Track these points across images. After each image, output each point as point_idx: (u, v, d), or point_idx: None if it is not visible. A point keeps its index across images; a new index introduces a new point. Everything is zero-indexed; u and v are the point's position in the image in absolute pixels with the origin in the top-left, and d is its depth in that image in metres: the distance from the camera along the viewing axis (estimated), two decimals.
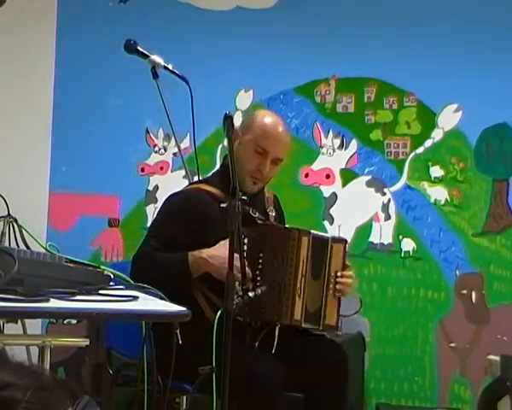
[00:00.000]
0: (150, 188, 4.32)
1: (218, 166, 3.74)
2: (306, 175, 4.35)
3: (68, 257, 2.35)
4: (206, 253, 2.92)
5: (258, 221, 3.04)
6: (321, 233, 3.20)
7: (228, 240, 2.60)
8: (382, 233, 4.33)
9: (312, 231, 3.08)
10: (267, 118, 3.15)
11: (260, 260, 2.96)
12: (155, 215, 3.28)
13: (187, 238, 2.98)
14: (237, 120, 3.35)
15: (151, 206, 4.26)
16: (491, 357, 3.47)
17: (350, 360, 3.17)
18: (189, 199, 3.07)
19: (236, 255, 2.62)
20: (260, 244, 2.97)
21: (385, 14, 4.33)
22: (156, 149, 4.33)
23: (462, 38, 4.30)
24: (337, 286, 3.07)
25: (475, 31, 4.29)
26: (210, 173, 3.33)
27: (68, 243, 3.63)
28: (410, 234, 4.33)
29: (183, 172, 3.96)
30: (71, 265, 2.30)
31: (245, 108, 4.27)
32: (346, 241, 3.18)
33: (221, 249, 2.85)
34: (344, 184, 4.36)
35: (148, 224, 4.01)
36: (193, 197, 3.08)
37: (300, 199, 4.32)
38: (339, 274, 3.08)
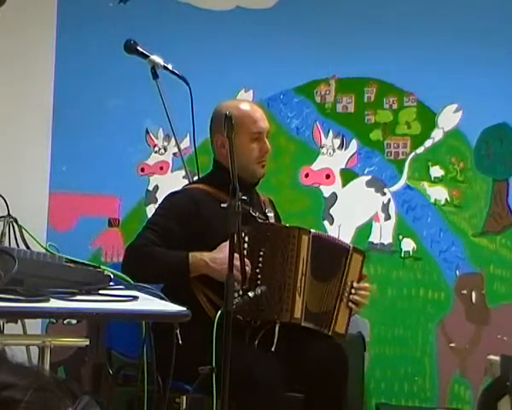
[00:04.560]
0: (150, 188, 4.32)
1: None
2: (306, 175, 4.35)
3: (68, 257, 2.35)
4: (206, 256, 2.92)
5: (259, 220, 3.05)
6: (337, 238, 3.22)
7: (228, 242, 2.61)
8: (382, 233, 4.33)
9: (319, 231, 3.10)
10: (240, 105, 3.18)
11: (261, 259, 2.96)
12: (155, 211, 3.28)
13: (186, 237, 2.99)
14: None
15: (151, 206, 4.25)
16: (491, 357, 3.46)
17: (350, 360, 3.18)
18: (191, 199, 3.08)
19: (236, 255, 2.62)
20: (261, 243, 2.98)
21: (385, 14, 4.33)
22: (156, 149, 4.33)
23: (462, 38, 4.29)
24: (351, 297, 3.10)
25: (475, 31, 4.29)
26: (204, 174, 3.33)
27: (68, 243, 3.63)
28: (410, 234, 4.33)
29: (183, 172, 3.96)
30: (71, 265, 2.31)
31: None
32: (365, 253, 3.22)
33: (222, 252, 2.85)
34: (344, 184, 4.35)
35: None
36: (194, 197, 3.08)
37: (300, 199, 4.32)
38: (355, 285, 3.10)
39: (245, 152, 3.06)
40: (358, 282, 3.14)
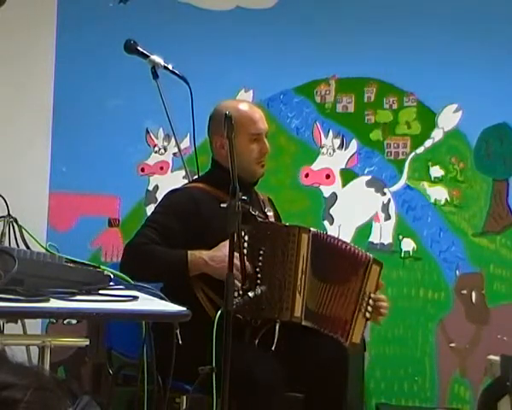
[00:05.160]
0: (150, 188, 4.32)
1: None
2: (306, 175, 4.35)
3: (68, 257, 2.35)
4: (206, 254, 2.92)
5: (259, 219, 3.05)
6: (357, 247, 3.18)
7: (228, 241, 2.61)
8: (382, 233, 4.33)
9: (316, 230, 3.10)
10: (239, 106, 3.17)
11: (260, 258, 2.96)
12: (154, 208, 3.28)
13: (185, 235, 2.99)
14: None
15: (151, 206, 4.25)
16: (491, 357, 3.46)
17: (350, 360, 3.17)
18: (190, 197, 3.08)
19: (236, 254, 2.62)
20: (261, 241, 2.98)
21: (384, 14, 4.33)
22: (156, 149, 4.33)
23: (462, 39, 4.29)
24: (369, 308, 3.10)
25: (475, 31, 4.29)
26: (203, 173, 3.33)
27: (68, 243, 3.63)
28: (410, 234, 4.33)
29: (183, 172, 3.96)
30: (71, 265, 2.30)
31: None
32: (382, 264, 3.18)
33: (222, 250, 2.85)
34: (344, 184, 4.36)
35: None
36: (194, 196, 3.08)
37: (300, 199, 4.32)
38: (372, 296, 3.10)
39: (244, 153, 3.06)
40: (375, 292, 3.14)
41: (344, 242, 3.20)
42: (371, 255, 3.17)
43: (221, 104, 3.16)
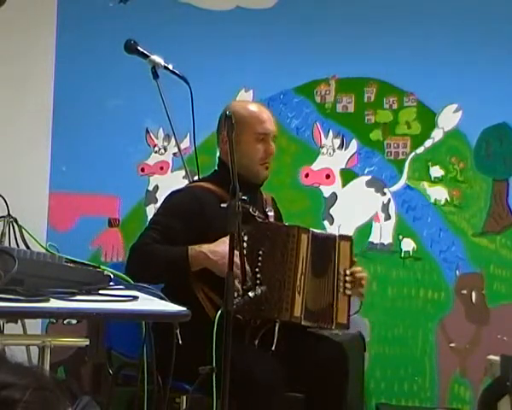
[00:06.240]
0: (150, 188, 4.32)
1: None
2: (306, 175, 4.35)
3: (68, 257, 2.35)
4: (206, 248, 2.92)
5: (258, 219, 3.05)
6: (324, 232, 3.22)
7: (228, 237, 2.61)
8: (382, 233, 4.33)
9: (313, 229, 3.10)
10: (248, 106, 3.21)
11: (260, 258, 2.96)
12: (157, 210, 3.28)
13: (188, 236, 2.99)
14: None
15: (151, 206, 4.26)
16: (491, 357, 3.46)
17: (350, 360, 3.18)
18: (192, 197, 3.08)
19: (236, 253, 2.62)
20: (260, 242, 2.98)
21: (384, 13, 4.33)
22: (156, 149, 4.33)
23: (462, 38, 4.30)
24: (347, 284, 3.10)
25: (475, 31, 4.29)
26: (209, 173, 3.33)
27: (68, 243, 3.63)
28: (410, 234, 4.33)
29: (183, 173, 3.96)
30: (71, 265, 2.31)
31: None
32: (352, 238, 3.21)
33: (221, 246, 2.86)
34: (344, 184, 4.36)
35: None
36: (196, 195, 3.09)
37: (300, 199, 4.32)
38: (348, 272, 3.11)
39: (250, 152, 3.07)
40: (350, 267, 3.14)
41: (326, 232, 3.24)
42: (336, 234, 3.20)
43: (232, 103, 3.19)
